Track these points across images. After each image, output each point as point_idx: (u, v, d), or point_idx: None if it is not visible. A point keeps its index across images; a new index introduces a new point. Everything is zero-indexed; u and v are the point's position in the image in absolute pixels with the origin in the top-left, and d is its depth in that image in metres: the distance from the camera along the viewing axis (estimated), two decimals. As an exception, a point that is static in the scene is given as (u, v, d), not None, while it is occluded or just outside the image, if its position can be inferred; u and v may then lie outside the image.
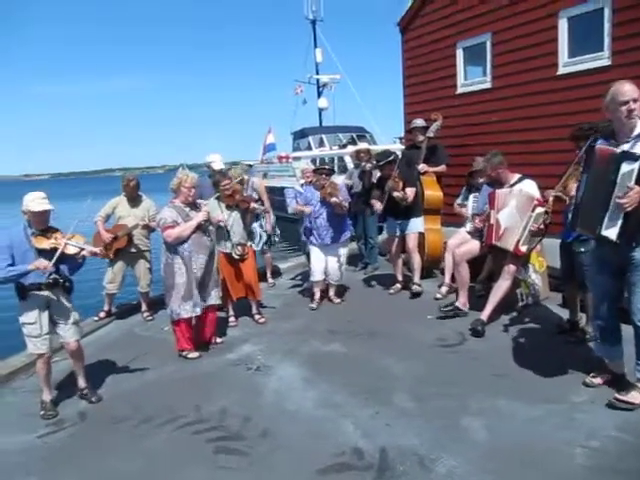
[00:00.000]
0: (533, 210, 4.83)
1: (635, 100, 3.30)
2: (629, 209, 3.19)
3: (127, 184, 6.38)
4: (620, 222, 3.25)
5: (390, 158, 6.44)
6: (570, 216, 3.74)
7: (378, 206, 6.50)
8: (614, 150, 3.29)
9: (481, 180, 5.91)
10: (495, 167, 5.23)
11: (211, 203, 5.59)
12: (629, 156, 3.19)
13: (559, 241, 4.79)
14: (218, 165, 6.89)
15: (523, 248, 4.96)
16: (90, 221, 6.11)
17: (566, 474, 2.96)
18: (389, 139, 19.69)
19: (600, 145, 3.39)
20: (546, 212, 4.71)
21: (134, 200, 6.42)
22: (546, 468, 3.02)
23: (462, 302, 5.63)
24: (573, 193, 3.78)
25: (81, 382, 4.39)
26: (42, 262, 3.91)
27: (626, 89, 3.33)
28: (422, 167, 7.11)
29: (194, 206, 5.10)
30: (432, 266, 7.29)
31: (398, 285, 6.81)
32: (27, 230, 4.04)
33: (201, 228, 5.00)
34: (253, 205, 5.91)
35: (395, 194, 6.22)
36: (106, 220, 6.36)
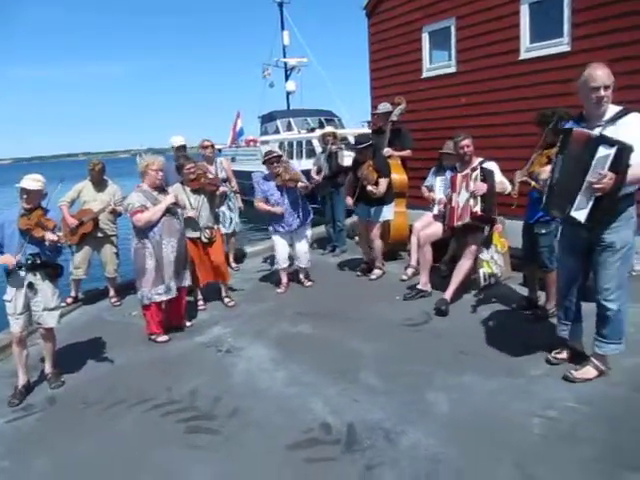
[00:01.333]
0: (470, 178, 5.09)
1: (607, 87, 3.30)
2: (599, 194, 3.24)
3: (93, 168, 6.31)
4: (590, 205, 3.30)
5: (369, 142, 6.44)
6: (543, 198, 3.69)
7: (349, 202, 6.59)
8: (591, 133, 3.31)
9: (448, 164, 6.03)
10: (471, 144, 5.30)
11: (175, 188, 5.56)
12: (606, 140, 3.20)
13: (522, 223, 4.94)
14: (178, 142, 6.90)
15: (476, 209, 5.06)
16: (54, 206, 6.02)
17: (523, 442, 3.11)
18: (357, 123, 19.79)
19: (577, 128, 3.41)
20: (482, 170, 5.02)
21: (100, 184, 6.35)
22: (504, 437, 3.17)
23: (423, 282, 5.78)
24: (544, 176, 3.77)
25: (47, 367, 4.41)
26: (5, 258, 4.04)
27: (598, 74, 3.31)
28: (387, 151, 7.18)
29: (162, 190, 5.09)
30: (397, 248, 7.41)
31: (364, 266, 6.91)
32: (20, 211, 4.13)
33: (170, 211, 5.00)
34: (223, 188, 5.87)
35: (369, 188, 6.21)
36: (71, 205, 6.28)
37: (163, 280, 4.99)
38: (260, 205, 6.33)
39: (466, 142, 5.26)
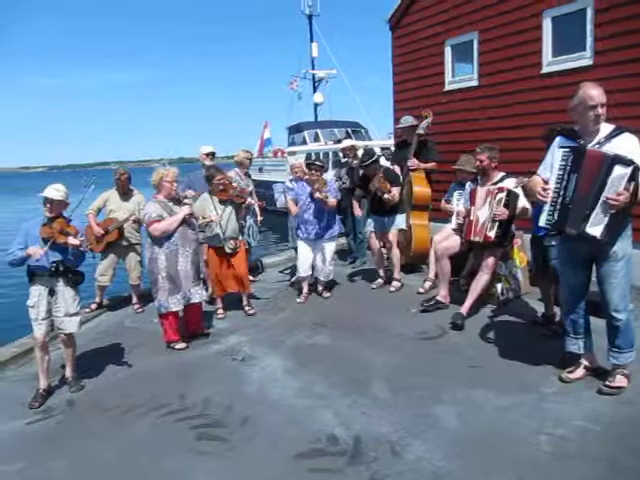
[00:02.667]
0: (494, 197, 5.06)
1: (602, 105, 3.47)
2: (614, 210, 3.38)
3: (119, 177, 6.49)
4: (606, 221, 3.43)
5: (374, 158, 6.55)
6: (545, 215, 3.71)
7: (358, 212, 6.69)
8: (606, 153, 3.41)
9: (462, 179, 6.05)
10: (492, 158, 5.28)
11: (202, 197, 5.77)
12: (621, 160, 3.33)
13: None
14: (208, 149, 7.05)
15: (490, 234, 5.10)
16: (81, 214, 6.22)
17: (529, 459, 3.10)
18: (384, 134, 19.82)
19: (591, 148, 3.52)
20: (508, 194, 4.99)
21: (125, 194, 6.52)
22: (511, 453, 3.16)
23: (442, 295, 5.77)
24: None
25: (68, 371, 4.55)
26: (34, 249, 4.15)
27: (595, 93, 3.48)
28: (412, 162, 7.20)
29: (177, 200, 5.22)
30: (419, 261, 7.41)
31: (380, 280, 6.92)
32: (43, 220, 4.31)
33: (186, 222, 5.12)
34: (249, 200, 5.97)
35: (385, 196, 6.31)
36: (97, 213, 6.47)
37: (179, 289, 5.11)
38: (289, 203, 6.57)
39: (481, 156, 5.25)
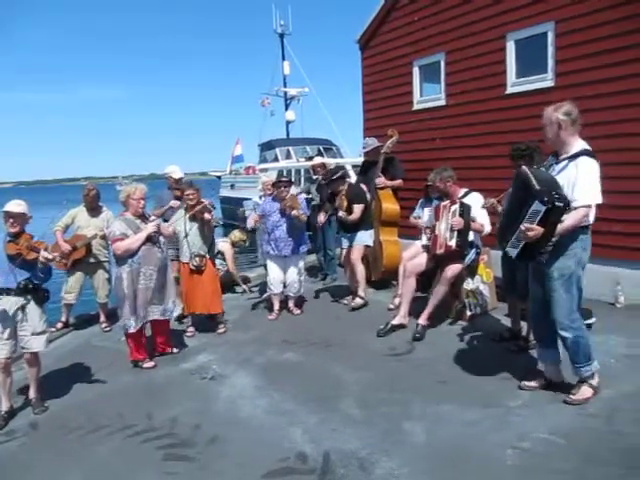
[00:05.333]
0: (449, 210, 5.30)
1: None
2: (527, 241, 3.51)
3: (87, 194, 6.43)
4: (521, 246, 3.58)
5: (337, 175, 6.70)
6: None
7: (321, 218, 6.83)
8: (533, 183, 3.46)
9: (433, 195, 6.16)
10: (444, 180, 5.48)
11: (178, 213, 5.86)
12: (541, 196, 3.38)
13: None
14: (177, 174, 7.04)
15: (451, 243, 5.27)
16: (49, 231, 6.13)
17: (496, 473, 3.14)
18: (355, 152, 19.98)
19: (525, 168, 3.64)
20: (461, 205, 5.25)
21: (94, 210, 6.46)
22: (477, 467, 3.20)
23: (401, 315, 5.75)
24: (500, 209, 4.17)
25: (31, 392, 4.44)
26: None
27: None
28: (380, 181, 7.32)
29: (144, 218, 5.16)
30: (390, 277, 7.47)
31: (351, 296, 6.95)
32: (6, 237, 4.21)
33: (151, 240, 5.05)
34: (207, 216, 5.80)
35: (339, 214, 6.51)
36: (65, 230, 6.38)
37: (138, 308, 5.02)
38: (253, 218, 6.65)
39: (436, 184, 5.57)
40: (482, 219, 5.34)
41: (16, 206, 4.22)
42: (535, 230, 3.41)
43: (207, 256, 5.91)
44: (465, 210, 5.24)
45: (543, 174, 3.60)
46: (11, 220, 4.19)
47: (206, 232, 5.92)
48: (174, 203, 6.56)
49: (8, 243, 4.17)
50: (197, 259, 5.79)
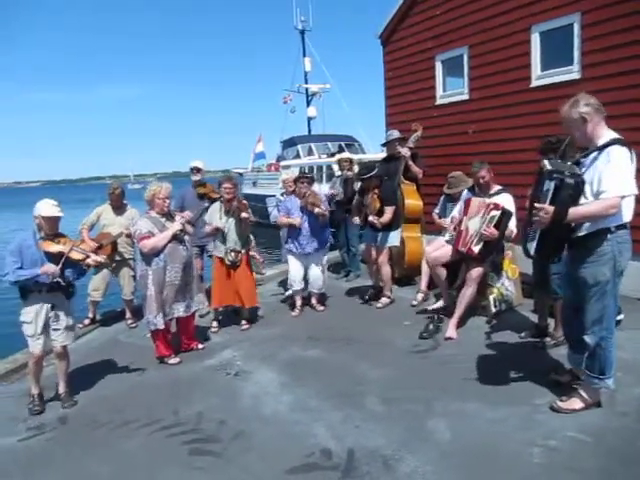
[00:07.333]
0: (488, 213, 5.01)
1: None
2: (540, 227, 3.32)
3: (112, 192, 6.51)
4: (537, 238, 3.41)
5: (373, 172, 6.42)
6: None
7: (356, 220, 6.66)
8: (546, 165, 3.32)
9: (460, 188, 6.07)
10: (490, 170, 5.36)
11: (214, 206, 5.88)
12: (550, 174, 3.23)
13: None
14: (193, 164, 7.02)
15: (475, 248, 5.09)
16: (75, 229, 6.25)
17: (523, 471, 3.11)
18: (377, 148, 19.89)
19: (544, 162, 3.42)
20: (503, 213, 4.91)
21: (119, 208, 6.54)
22: (502, 465, 3.16)
23: (444, 300, 5.79)
24: None
25: (61, 387, 4.53)
26: (50, 267, 4.14)
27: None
28: (404, 151, 7.16)
29: (169, 216, 5.20)
30: (412, 273, 7.42)
31: (372, 292, 6.92)
32: (35, 235, 4.26)
33: (177, 238, 5.09)
34: (244, 215, 5.81)
35: (370, 219, 6.31)
36: (91, 229, 6.47)
37: (164, 306, 5.07)
38: (281, 219, 6.53)
39: (481, 173, 5.32)
40: (511, 224, 5.10)
41: (55, 209, 4.26)
42: (546, 209, 3.20)
43: (242, 251, 5.94)
44: (504, 220, 4.94)
45: (561, 163, 3.43)
46: (51, 223, 4.27)
47: (243, 227, 5.91)
48: (187, 214, 6.27)
49: (45, 241, 4.23)
50: (232, 254, 5.81)
